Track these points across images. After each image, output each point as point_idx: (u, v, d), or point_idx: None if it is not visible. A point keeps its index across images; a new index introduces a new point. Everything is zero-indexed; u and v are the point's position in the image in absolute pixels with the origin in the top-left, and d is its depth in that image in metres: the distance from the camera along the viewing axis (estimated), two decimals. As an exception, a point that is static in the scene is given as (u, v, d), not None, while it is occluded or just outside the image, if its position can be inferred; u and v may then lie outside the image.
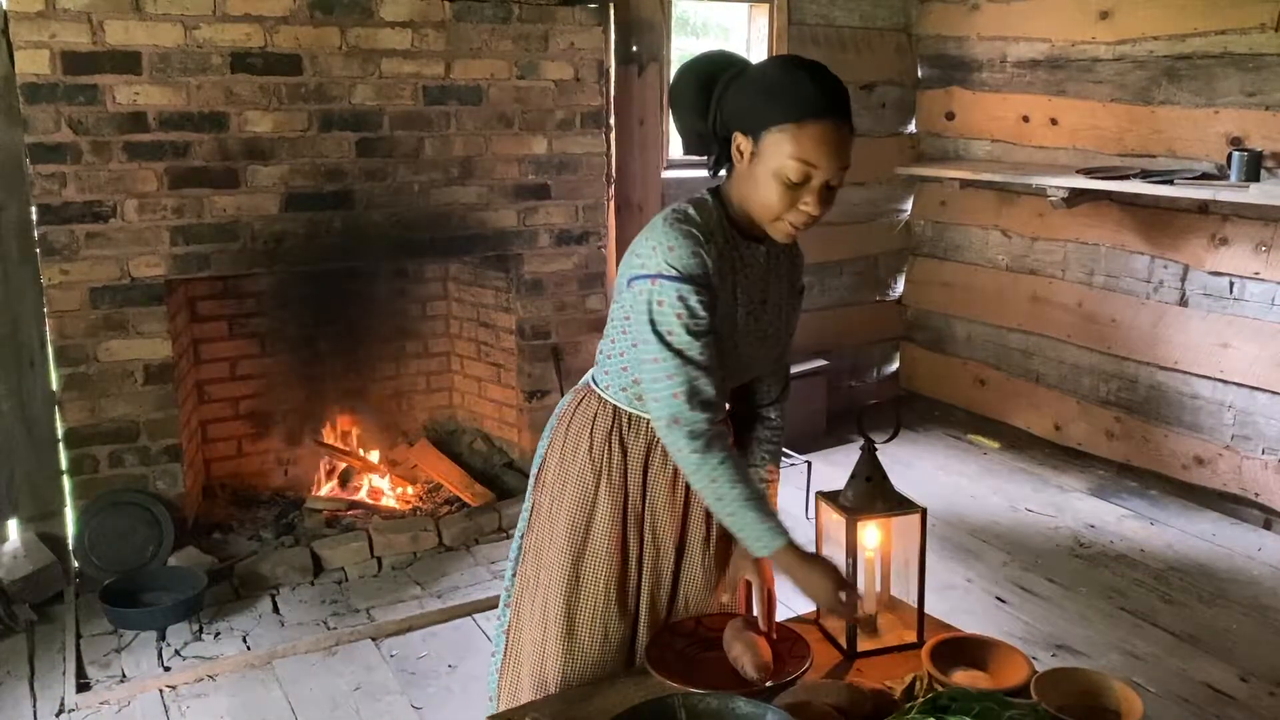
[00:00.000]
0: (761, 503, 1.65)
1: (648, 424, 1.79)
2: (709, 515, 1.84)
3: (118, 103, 3.23)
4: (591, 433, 1.82)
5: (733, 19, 4.86)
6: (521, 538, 1.94)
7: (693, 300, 1.63)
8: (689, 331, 1.63)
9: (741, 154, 1.64)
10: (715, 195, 1.73)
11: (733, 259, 1.71)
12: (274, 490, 4.07)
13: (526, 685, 1.86)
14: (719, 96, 1.66)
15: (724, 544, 1.87)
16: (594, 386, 1.86)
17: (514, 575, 1.95)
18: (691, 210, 1.69)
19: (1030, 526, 4.04)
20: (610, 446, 1.80)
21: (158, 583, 3.28)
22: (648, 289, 1.64)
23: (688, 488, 1.82)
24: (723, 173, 1.76)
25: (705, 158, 1.76)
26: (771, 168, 1.59)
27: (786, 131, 1.57)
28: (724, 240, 1.70)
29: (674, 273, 1.63)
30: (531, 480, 1.95)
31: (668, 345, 1.63)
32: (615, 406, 1.82)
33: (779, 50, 4.68)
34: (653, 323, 1.64)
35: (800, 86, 1.58)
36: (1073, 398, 4.68)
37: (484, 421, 4.42)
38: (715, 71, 1.68)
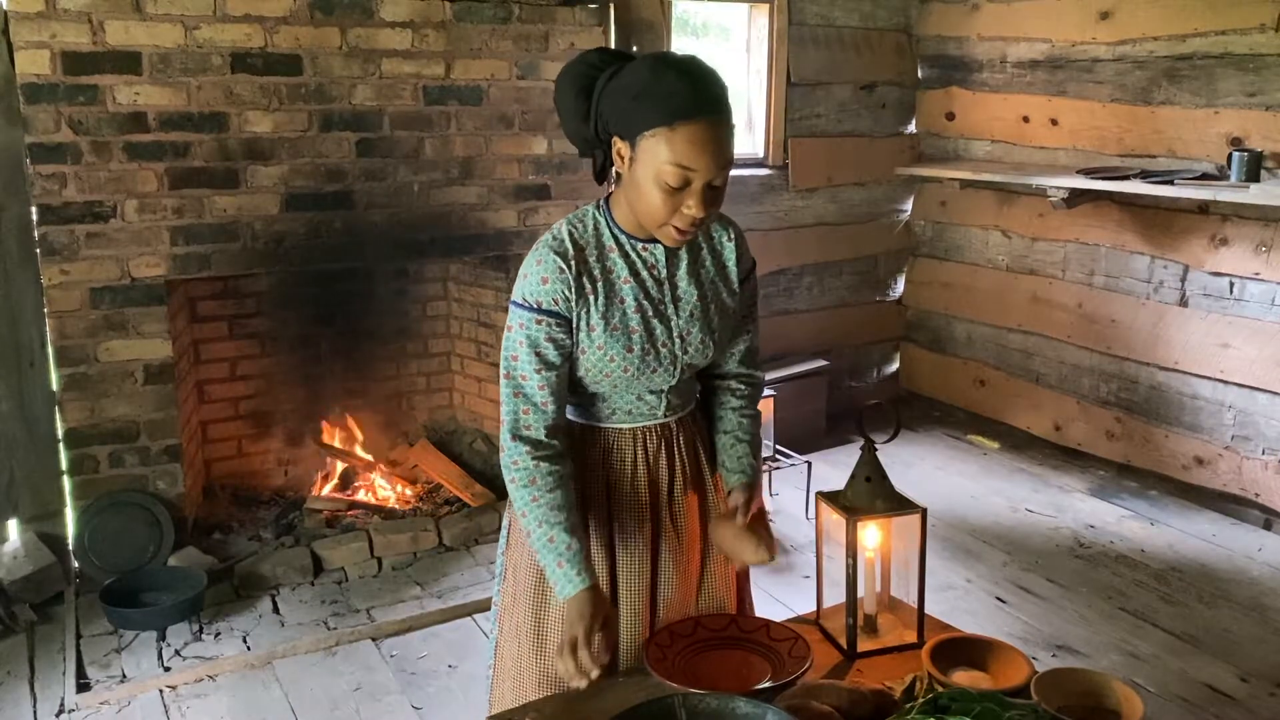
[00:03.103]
0: (561, 546, 1.63)
1: (601, 432, 1.78)
2: (681, 514, 1.84)
3: (118, 103, 3.23)
4: None
5: (733, 19, 4.86)
6: (502, 555, 1.93)
7: (533, 329, 1.64)
8: (526, 361, 1.65)
9: (622, 159, 1.59)
10: (602, 204, 1.71)
11: (625, 263, 1.68)
12: (274, 490, 4.07)
13: (510, 702, 1.85)
14: (597, 100, 1.61)
15: (701, 543, 1.87)
16: None
17: (499, 592, 1.95)
18: (565, 229, 1.68)
19: (1030, 526, 4.04)
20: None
21: (158, 583, 3.27)
22: (509, 314, 1.68)
23: (652, 490, 1.81)
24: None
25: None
26: (649, 173, 1.55)
27: (659, 136, 1.52)
28: (605, 250, 1.68)
29: (522, 301, 1.65)
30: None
31: (507, 372, 1.67)
32: (567, 420, 1.78)
33: (779, 51, 4.68)
34: (504, 346, 1.67)
35: (668, 87, 1.52)
36: (1073, 398, 4.69)
37: (484, 421, 4.42)
38: (593, 73, 1.62)
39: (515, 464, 1.67)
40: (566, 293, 1.64)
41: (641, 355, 1.70)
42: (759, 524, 1.81)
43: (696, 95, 1.53)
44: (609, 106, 1.59)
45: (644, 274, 1.70)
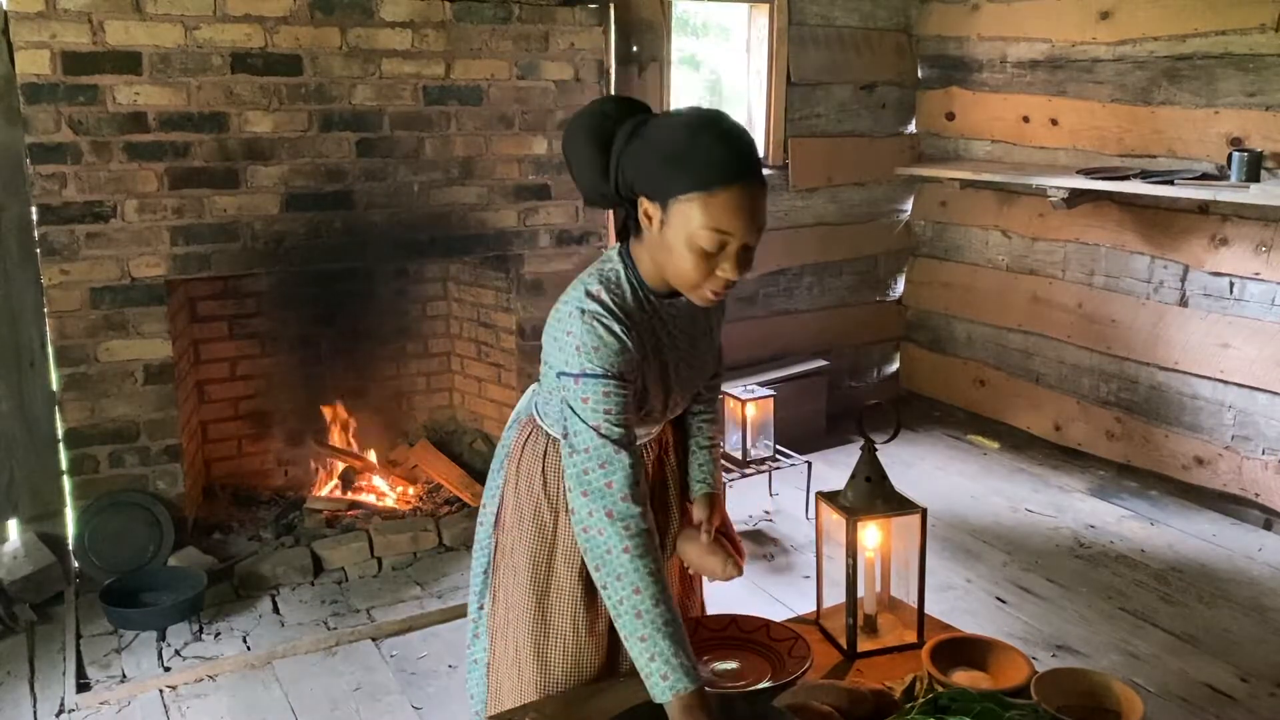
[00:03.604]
0: (681, 634, 1.50)
1: None
2: (674, 520, 1.86)
3: (118, 103, 3.23)
4: (544, 469, 1.79)
5: (733, 19, 4.86)
6: (484, 573, 1.92)
7: (616, 396, 1.56)
8: (616, 424, 1.56)
9: (650, 219, 1.55)
10: (625, 261, 1.65)
11: (655, 324, 1.66)
12: (274, 490, 4.07)
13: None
14: (619, 156, 1.56)
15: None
16: (539, 420, 1.81)
17: (479, 608, 1.94)
18: (605, 295, 1.59)
19: (1030, 526, 4.04)
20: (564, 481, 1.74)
21: (158, 583, 3.27)
22: (571, 387, 1.57)
23: (650, 501, 1.79)
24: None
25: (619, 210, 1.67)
26: (683, 237, 1.50)
27: (696, 201, 1.47)
28: (642, 310, 1.63)
29: (599, 370, 1.55)
30: (488, 519, 1.92)
31: (600, 435, 1.56)
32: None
33: (779, 51, 4.68)
34: (582, 418, 1.56)
35: (706, 152, 1.48)
36: (1073, 398, 4.68)
37: (484, 422, 4.42)
38: (609, 125, 1.58)
39: (630, 530, 1.53)
40: (636, 358, 1.60)
41: (670, 401, 1.73)
42: (725, 536, 1.83)
43: (736, 161, 1.49)
44: (636, 166, 1.54)
45: (670, 327, 1.69)
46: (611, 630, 1.81)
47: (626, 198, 1.59)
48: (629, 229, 1.65)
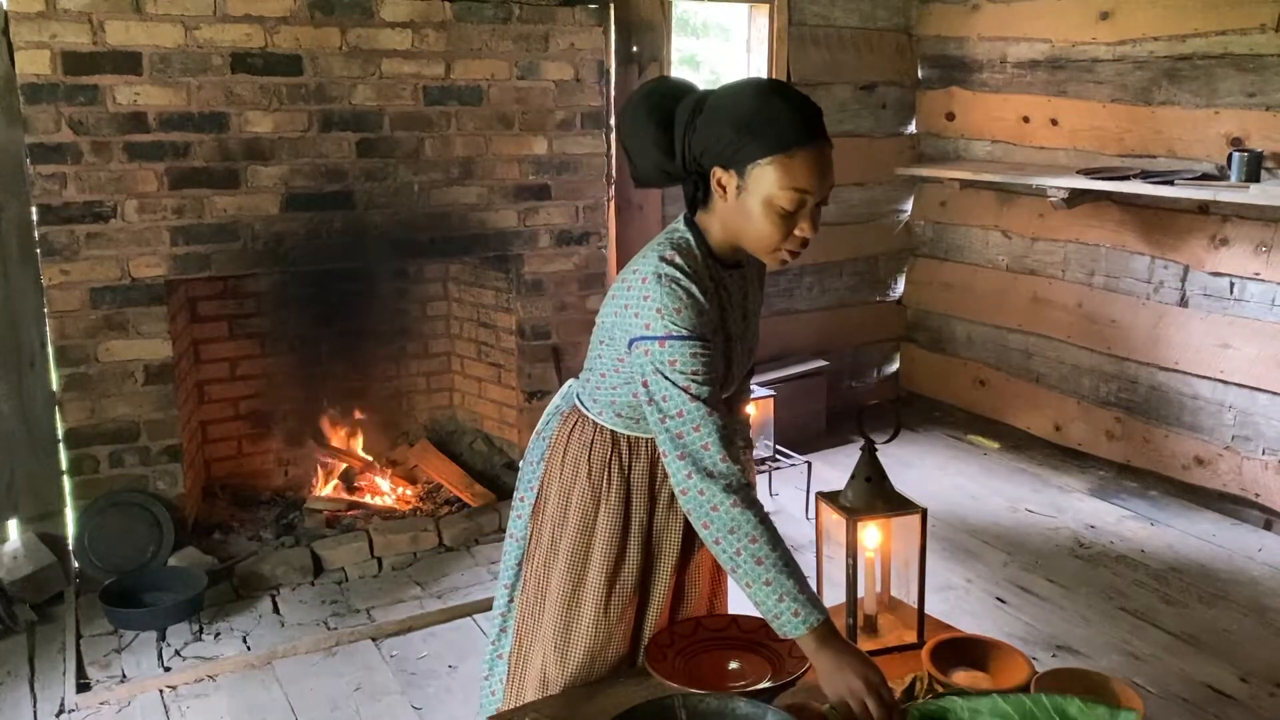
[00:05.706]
0: (800, 571, 1.57)
1: (647, 445, 1.78)
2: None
3: (118, 103, 3.23)
4: (590, 458, 1.79)
5: (733, 19, 4.86)
6: (518, 564, 1.92)
7: (703, 356, 1.60)
8: (707, 383, 1.60)
9: (724, 188, 1.60)
10: (692, 230, 1.69)
11: (720, 293, 1.69)
12: (274, 490, 4.07)
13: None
14: (685, 131, 1.62)
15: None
16: (584, 410, 1.82)
17: (509, 601, 1.94)
18: (680, 260, 1.63)
19: (1030, 527, 4.04)
20: (610, 471, 1.78)
21: (158, 583, 3.27)
22: (656, 350, 1.60)
23: None
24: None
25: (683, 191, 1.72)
26: (762, 200, 1.57)
27: (776, 163, 1.54)
28: (710, 278, 1.67)
29: (683, 332, 1.59)
30: (525, 507, 1.92)
31: (692, 396, 1.58)
32: (612, 430, 1.79)
33: (779, 51, 4.68)
34: (671, 381, 1.59)
35: (781, 115, 1.55)
36: (1073, 398, 4.69)
37: (484, 422, 4.42)
38: (669, 104, 1.64)
39: (730, 486, 1.56)
40: (714, 320, 1.65)
41: (729, 376, 1.74)
42: None
43: (809, 121, 1.57)
44: (707, 138, 1.59)
45: (732, 301, 1.72)
46: (635, 628, 1.82)
47: (694, 171, 1.64)
48: (696, 202, 1.69)
